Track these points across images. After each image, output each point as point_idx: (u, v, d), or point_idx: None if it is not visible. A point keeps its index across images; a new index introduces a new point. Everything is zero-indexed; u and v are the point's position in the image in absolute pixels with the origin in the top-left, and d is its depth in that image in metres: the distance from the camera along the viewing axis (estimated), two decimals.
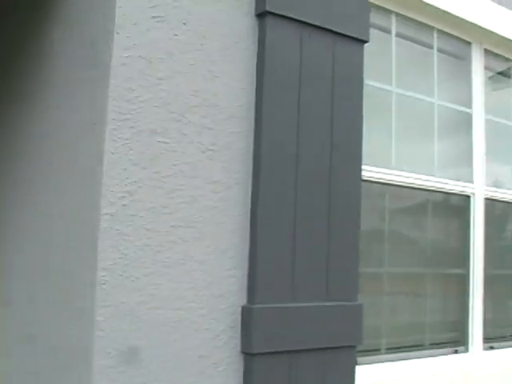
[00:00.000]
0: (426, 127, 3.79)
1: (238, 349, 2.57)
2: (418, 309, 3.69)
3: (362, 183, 3.10)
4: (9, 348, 2.84)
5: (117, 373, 2.25)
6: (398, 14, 3.61)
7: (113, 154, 2.27)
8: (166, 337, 2.37)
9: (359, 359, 3.16)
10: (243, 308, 2.57)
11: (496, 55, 4.25)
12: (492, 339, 4.07)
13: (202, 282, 2.46)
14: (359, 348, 2.99)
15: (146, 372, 2.31)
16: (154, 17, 2.40)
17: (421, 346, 3.66)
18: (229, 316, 2.54)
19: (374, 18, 3.39)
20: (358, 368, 3.02)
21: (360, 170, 2.98)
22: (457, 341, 3.86)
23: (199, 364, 2.45)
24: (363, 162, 3.06)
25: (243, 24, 2.68)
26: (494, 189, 4.13)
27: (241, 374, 2.57)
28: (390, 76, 3.57)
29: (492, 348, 4.05)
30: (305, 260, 2.72)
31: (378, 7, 3.48)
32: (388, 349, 3.47)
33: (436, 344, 3.74)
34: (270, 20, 2.70)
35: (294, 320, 2.66)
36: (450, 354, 3.78)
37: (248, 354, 2.56)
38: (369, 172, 3.31)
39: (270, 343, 2.59)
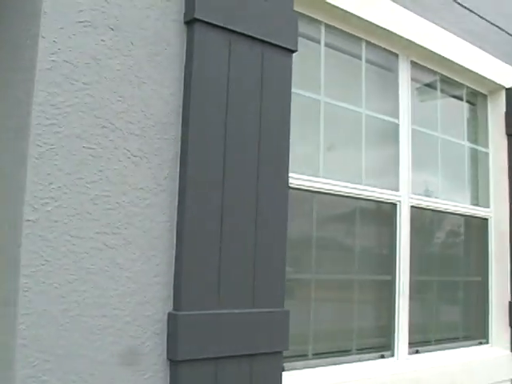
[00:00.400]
0: (354, 136, 3.86)
1: (164, 356, 2.56)
2: (346, 315, 3.74)
3: (291, 191, 3.14)
4: None
5: (40, 382, 2.20)
6: (327, 25, 3.66)
7: (37, 159, 2.24)
8: (91, 345, 2.34)
9: (286, 365, 3.20)
10: (169, 315, 2.56)
11: (422, 67, 4.37)
12: (417, 343, 4.17)
13: (127, 288, 2.44)
14: (286, 354, 3.03)
15: (69, 381, 2.27)
16: (80, 21, 2.38)
17: (348, 351, 3.71)
18: (155, 323, 2.53)
19: (303, 27, 3.45)
20: (285, 374, 3.06)
21: (287, 177, 3.01)
22: (383, 346, 3.93)
23: (125, 372, 2.43)
24: (292, 169, 3.10)
25: (172, 31, 2.69)
26: (420, 197, 4.24)
27: (167, 381, 2.56)
28: (319, 85, 3.62)
29: (417, 352, 4.15)
30: (231, 267, 2.73)
31: (308, 17, 3.53)
32: (315, 354, 3.51)
33: (363, 349, 3.80)
34: (198, 27, 2.71)
35: (220, 327, 2.66)
36: (376, 358, 3.85)
37: (174, 361, 2.55)
38: (297, 180, 3.35)
39: (196, 350, 2.58)
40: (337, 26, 3.72)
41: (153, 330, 2.52)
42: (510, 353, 4.73)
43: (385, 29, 3.84)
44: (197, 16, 2.69)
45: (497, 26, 4.88)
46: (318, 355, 3.52)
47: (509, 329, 4.78)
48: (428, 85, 4.53)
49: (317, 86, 3.60)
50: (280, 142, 2.98)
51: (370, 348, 3.86)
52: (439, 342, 4.41)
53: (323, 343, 3.59)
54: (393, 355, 3.95)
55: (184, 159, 2.63)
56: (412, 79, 4.25)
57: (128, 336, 2.44)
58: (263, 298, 2.84)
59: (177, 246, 2.60)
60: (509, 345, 4.76)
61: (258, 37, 2.91)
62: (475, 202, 4.88)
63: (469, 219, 4.76)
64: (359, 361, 3.73)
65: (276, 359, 2.91)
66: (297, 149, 3.27)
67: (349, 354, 3.71)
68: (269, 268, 2.88)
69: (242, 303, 2.76)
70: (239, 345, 2.73)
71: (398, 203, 4.02)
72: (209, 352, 2.62)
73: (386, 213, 4.02)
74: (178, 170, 2.64)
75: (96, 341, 2.35)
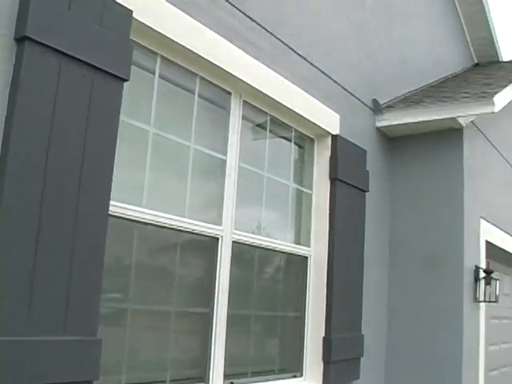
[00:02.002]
0: (181, 169, 3.89)
1: None
2: (162, 345, 3.73)
3: (114, 219, 3.13)
4: None
5: None
6: (163, 57, 3.70)
7: None
8: None
9: None
10: None
11: (254, 108, 4.52)
12: (233, 376, 4.22)
13: None
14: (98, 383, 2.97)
15: None
16: None
17: (162, 382, 3.68)
18: None
19: (139, 57, 3.47)
20: None
21: (108, 205, 3.00)
22: (198, 377, 3.94)
23: None
24: (115, 198, 3.09)
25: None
26: (243, 233, 4.33)
27: None
28: (149, 116, 3.63)
29: None
30: (43, 293, 2.66)
31: (144, 48, 3.55)
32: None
33: (177, 380, 3.79)
34: (28, 46, 2.66)
35: (29, 354, 2.58)
36: None
37: None
38: (120, 208, 3.32)
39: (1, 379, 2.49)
40: (173, 59, 3.76)
41: None
42: None
43: (220, 67, 3.94)
44: (28, 34, 2.64)
45: (327, 75, 5.17)
46: None
47: (322, 363, 4.97)
48: (259, 125, 4.68)
49: (147, 117, 3.62)
50: (103, 170, 2.97)
51: (185, 379, 3.86)
52: (255, 374, 4.49)
53: (137, 373, 3.55)
54: None
55: (1, 185, 2.54)
56: (243, 118, 4.38)
57: None
58: (75, 326, 2.79)
59: None
60: (321, 378, 4.95)
61: (90, 62, 2.90)
62: (297, 240, 5.07)
63: (290, 256, 4.93)
64: None
65: None
66: (122, 178, 3.25)
67: None
68: (83, 296, 2.84)
69: (52, 330, 2.70)
70: (47, 373, 2.66)
71: (220, 238, 4.08)
72: (15, 380, 2.53)
73: (207, 246, 4.07)
74: None
75: None
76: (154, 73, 3.68)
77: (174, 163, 3.89)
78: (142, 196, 3.56)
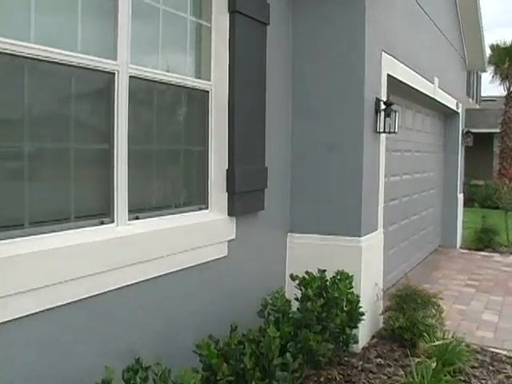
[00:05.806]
0: (70, 2, 3.68)
1: None
2: (65, 183, 3.72)
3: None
4: None
5: None
6: None
7: None
8: None
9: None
10: None
11: None
12: (138, 210, 4.31)
13: None
14: None
15: None
16: None
17: (66, 218, 3.71)
18: None
19: None
20: None
21: None
22: (103, 213, 4.00)
23: None
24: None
25: None
26: (140, 67, 4.21)
27: None
28: None
29: (137, 218, 4.29)
30: None
31: None
32: (32, 223, 3.46)
33: (82, 216, 3.83)
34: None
35: None
36: (96, 225, 3.92)
37: None
38: (6, 44, 3.17)
39: None
40: None
41: None
42: (227, 217, 5.12)
43: None
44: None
45: None
46: (34, 224, 3.47)
47: (226, 194, 5.12)
48: None
49: None
50: None
51: (89, 215, 3.90)
52: (160, 208, 4.58)
53: (40, 211, 3.54)
54: (113, 221, 4.04)
55: None
56: None
57: None
58: None
59: None
60: (226, 209, 5.12)
61: None
62: (197, 74, 5.01)
63: (190, 91, 4.89)
64: (79, 227, 3.76)
65: None
66: (6, 9, 3.07)
67: (67, 222, 3.71)
68: None
69: None
70: None
71: (116, 72, 3.97)
72: None
73: (104, 82, 3.98)
74: None
75: None
76: None
77: None
78: (30, 31, 3.37)
